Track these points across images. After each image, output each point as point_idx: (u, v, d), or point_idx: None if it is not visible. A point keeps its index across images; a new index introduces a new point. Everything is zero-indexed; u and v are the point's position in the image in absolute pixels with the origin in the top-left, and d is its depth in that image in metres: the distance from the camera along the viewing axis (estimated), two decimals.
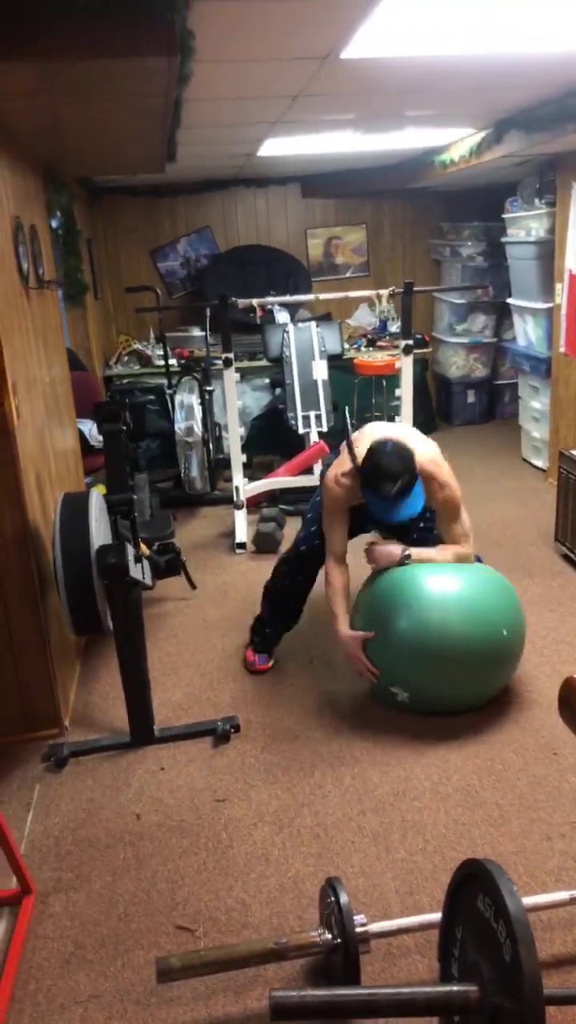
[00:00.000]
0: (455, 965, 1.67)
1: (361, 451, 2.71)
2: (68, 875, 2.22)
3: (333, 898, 1.79)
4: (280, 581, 3.20)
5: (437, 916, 1.80)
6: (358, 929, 1.76)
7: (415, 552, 2.81)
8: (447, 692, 2.76)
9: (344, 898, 1.77)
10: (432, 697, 2.76)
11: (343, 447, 2.90)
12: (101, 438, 2.70)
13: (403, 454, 2.61)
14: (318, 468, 4.96)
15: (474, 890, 1.59)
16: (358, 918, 1.78)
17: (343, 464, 2.82)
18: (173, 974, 1.76)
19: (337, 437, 5.48)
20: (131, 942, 2.00)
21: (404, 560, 2.79)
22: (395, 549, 2.81)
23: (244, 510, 4.60)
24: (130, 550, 2.64)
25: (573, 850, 2.19)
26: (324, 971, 1.85)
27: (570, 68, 2.98)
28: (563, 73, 3.06)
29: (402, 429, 3.02)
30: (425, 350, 6.57)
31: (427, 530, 2.95)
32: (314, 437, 4.96)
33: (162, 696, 3.03)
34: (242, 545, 4.42)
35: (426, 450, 2.79)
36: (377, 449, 2.62)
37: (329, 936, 1.78)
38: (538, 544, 4.23)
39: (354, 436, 2.89)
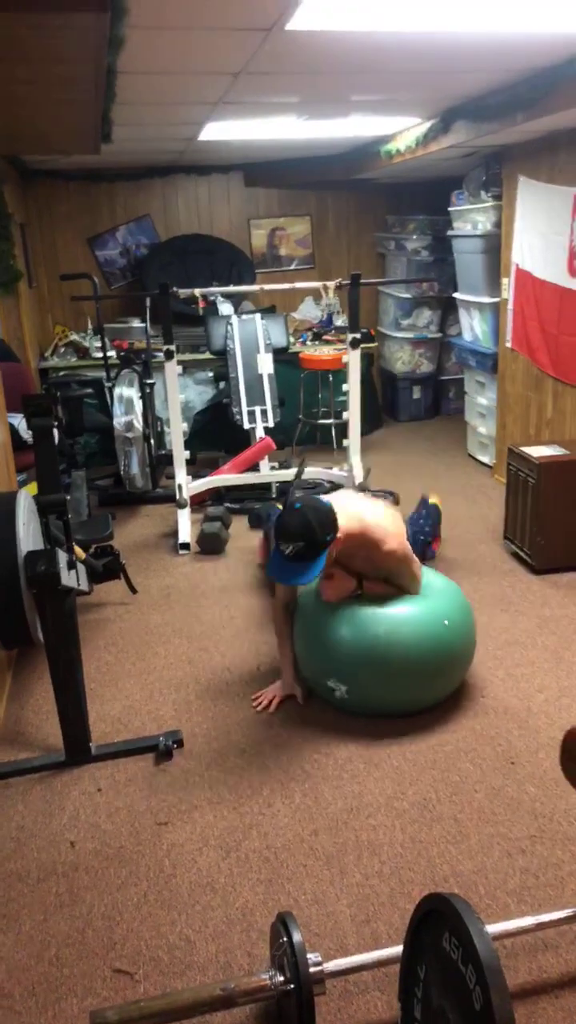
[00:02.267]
0: (418, 1007, 1.55)
1: (340, 516, 2.58)
2: None
3: (285, 937, 1.64)
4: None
5: (396, 950, 1.68)
6: (312, 970, 1.62)
7: (367, 585, 2.74)
8: (385, 690, 2.67)
9: (297, 937, 1.62)
10: (370, 694, 2.68)
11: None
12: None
13: (309, 520, 2.46)
14: (265, 465, 4.82)
15: (439, 928, 1.47)
16: (312, 957, 1.64)
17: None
18: None
19: (286, 433, 5.37)
20: (64, 989, 1.82)
21: (356, 593, 2.73)
22: (348, 583, 2.72)
23: (188, 509, 4.42)
24: (62, 555, 2.44)
25: (534, 867, 2.09)
26: (276, 1015, 1.70)
27: (523, 53, 2.89)
28: (516, 58, 2.97)
29: (363, 500, 2.87)
30: (371, 345, 6.48)
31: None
32: (260, 433, 4.81)
33: (100, 709, 2.83)
34: (186, 546, 4.24)
35: (374, 514, 2.68)
36: (287, 505, 2.55)
37: (281, 979, 1.63)
38: (487, 542, 4.16)
39: (344, 507, 2.70)
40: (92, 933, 1.95)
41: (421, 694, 2.72)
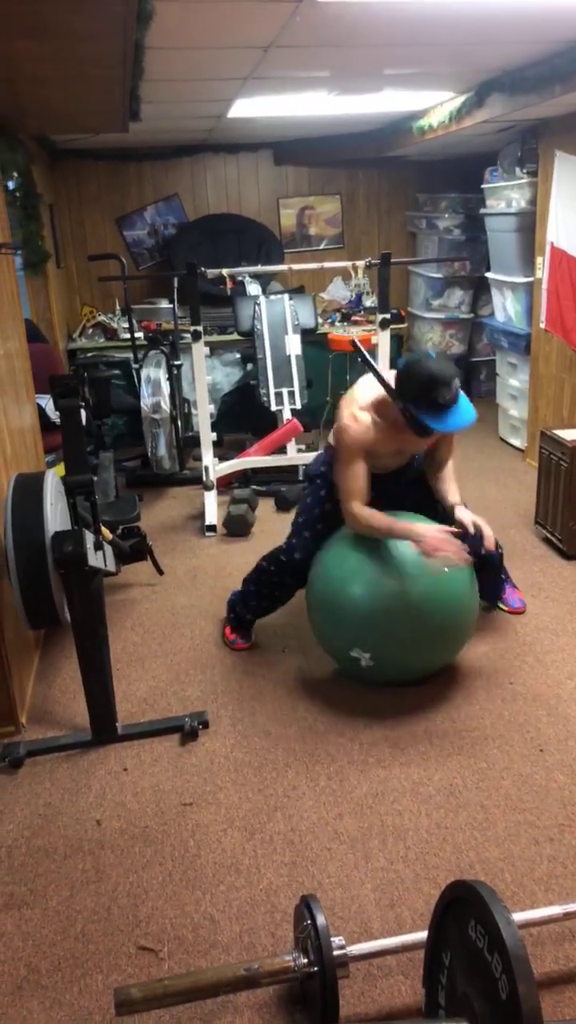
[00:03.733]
0: (442, 994, 1.54)
1: (371, 392, 2.59)
2: (22, 889, 2.05)
3: (309, 920, 1.63)
4: (269, 578, 3.01)
5: (421, 936, 1.67)
6: (336, 953, 1.61)
7: (461, 510, 2.79)
8: (409, 648, 2.66)
9: (321, 920, 1.62)
10: (395, 656, 2.67)
11: (351, 394, 2.72)
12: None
13: (446, 358, 2.52)
14: (292, 448, 4.79)
15: (464, 915, 1.45)
16: (336, 940, 1.63)
17: (352, 404, 2.67)
18: (134, 1005, 1.60)
19: (312, 415, 5.32)
20: (90, 965, 1.84)
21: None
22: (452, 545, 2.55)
23: (214, 491, 4.41)
24: (89, 536, 2.45)
25: (562, 855, 2.06)
26: (299, 997, 1.71)
27: (562, 22, 2.79)
28: (555, 28, 2.87)
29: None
30: (401, 325, 6.39)
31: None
32: (287, 415, 4.78)
33: (126, 690, 2.85)
34: (212, 528, 4.24)
35: None
36: (419, 359, 2.49)
37: (305, 961, 1.63)
38: (518, 527, 4.10)
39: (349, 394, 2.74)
40: (117, 910, 1.97)
41: (443, 648, 2.74)
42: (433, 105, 4.54)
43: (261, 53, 3.05)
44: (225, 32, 2.73)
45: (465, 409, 2.51)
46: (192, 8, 2.41)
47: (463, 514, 2.77)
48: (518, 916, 1.67)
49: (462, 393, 2.52)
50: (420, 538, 2.54)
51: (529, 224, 4.75)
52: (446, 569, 2.60)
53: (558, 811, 2.21)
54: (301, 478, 4.82)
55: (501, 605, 3.27)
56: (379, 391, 2.63)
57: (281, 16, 2.53)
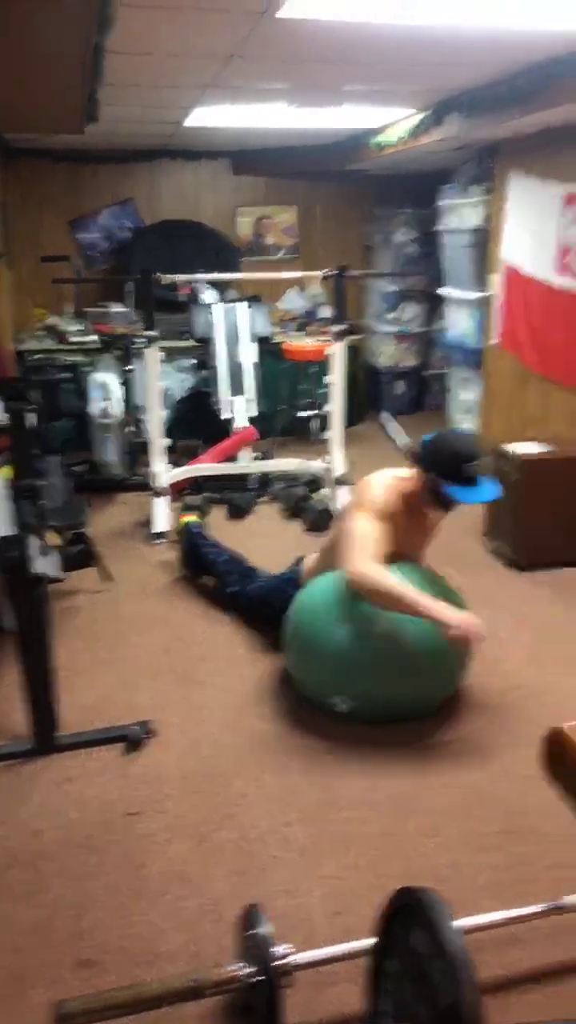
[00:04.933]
0: (387, 1001, 1.53)
1: (375, 490, 2.62)
2: None
3: (253, 928, 1.62)
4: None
5: (367, 943, 1.66)
6: (280, 961, 1.60)
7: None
8: (395, 698, 2.59)
9: (265, 929, 1.61)
10: (377, 706, 2.60)
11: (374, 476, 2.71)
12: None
13: (469, 435, 2.67)
14: (245, 455, 4.79)
15: (410, 922, 1.46)
16: (281, 948, 1.62)
17: (386, 475, 2.69)
18: (75, 1019, 1.56)
19: (266, 423, 5.32)
20: (29, 979, 1.79)
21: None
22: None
23: (165, 497, 4.37)
24: (35, 541, 2.40)
25: (506, 862, 2.09)
26: (244, 1007, 1.69)
27: (519, 48, 2.87)
28: (512, 53, 2.96)
29: None
30: (356, 337, 6.45)
31: None
32: (240, 422, 4.77)
33: (71, 699, 2.79)
34: (161, 535, 4.20)
35: None
36: (446, 435, 2.63)
37: (250, 970, 1.61)
38: (470, 538, 4.16)
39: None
40: (59, 922, 1.92)
41: (424, 701, 2.65)
42: (392, 122, 4.62)
43: (222, 63, 3.06)
44: (186, 41, 2.73)
45: (493, 484, 2.63)
46: (154, 16, 2.41)
47: None
48: (463, 922, 1.68)
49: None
50: (449, 623, 2.37)
51: (483, 241, 4.86)
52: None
53: (503, 818, 2.24)
54: (254, 486, 4.82)
55: None
56: (398, 477, 2.66)
57: (242, 28, 2.55)
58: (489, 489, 2.61)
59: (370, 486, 2.66)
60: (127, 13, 2.33)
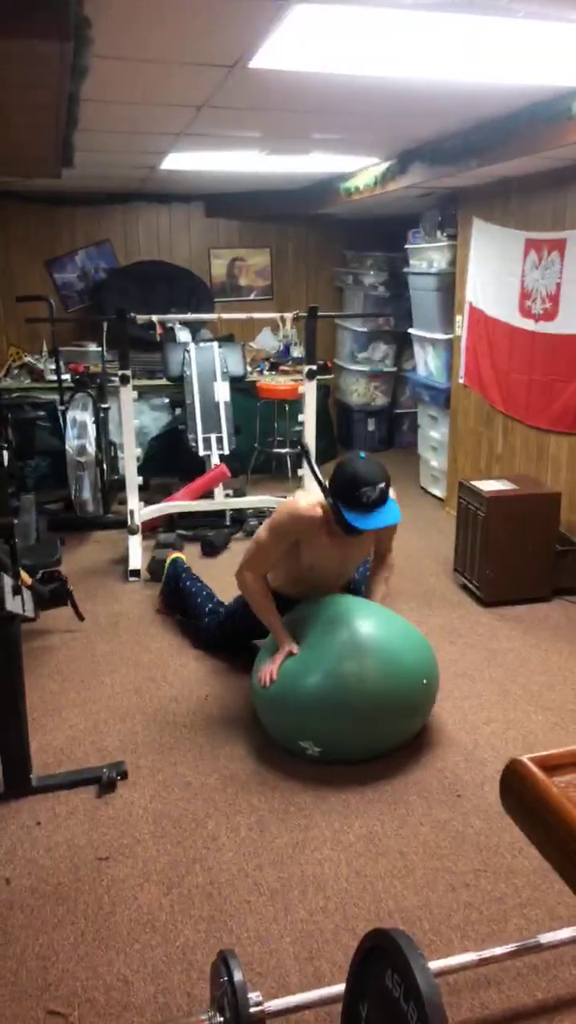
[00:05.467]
0: None
1: (278, 513, 2.76)
2: None
3: (226, 976, 1.60)
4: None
5: (339, 988, 1.65)
6: (253, 1010, 1.58)
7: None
8: (361, 744, 2.61)
9: (238, 976, 1.59)
10: (345, 749, 2.61)
11: (304, 485, 2.90)
12: None
13: (375, 461, 2.63)
14: (219, 492, 4.81)
15: (382, 964, 1.45)
16: (253, 996, 1.60)
17: (313, 496, 2.79)
18: None
19: (240, 461, 5.36)
20: None
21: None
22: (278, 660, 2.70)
23: (139, 535, 4.37)
24: (7, 580, 2.39)
25: (477, 901, 2.09)
26: None
27: (478, 102, 2.99)
28: (471, 106, 3.07)
29: None
30: (328, 376, 6.55)
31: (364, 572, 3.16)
32: (215, 460, 4.81)
33: (42, 740, 2.76)
34: (136, 573, 4.19)
35: None
36: (351, 459, 2.63)
37: (221, 1020, 1.59)
38: (438, 574, 4.21)
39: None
40: (26, 973, 1.88)
41: (388, 744, 2.66)
42: (360, 168, 4.76)
43: (194, 112, 3.14)
44: (159, 90, 2.81)
45: (390, 512, 2.61)
46: (127, 67, 2.48)
47: None
48: (435, 964, 1.67)
49: (392, 498, 2.63)
50: (281, 648, 2.70)
51: (449, 284, 4.98)
52: (424, 681, 2.64)
53: (474, 856, 2.24)
54: (229, 523, 4.84)
55: None
56: (310, 503, 2.75)
57: (214, 79, 2.63)
58: (384, 515, 2.60)
59: (278, 509, 2.83)
60: (101, 64, 2.39)
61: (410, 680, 2.61)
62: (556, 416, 3.98)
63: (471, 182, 4.31)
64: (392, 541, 3.03)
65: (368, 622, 2.68)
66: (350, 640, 2.60)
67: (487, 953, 1.80)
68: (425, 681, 2.66)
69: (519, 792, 1.26)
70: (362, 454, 2.67)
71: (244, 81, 2.63)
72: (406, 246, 5.54)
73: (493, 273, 4.42)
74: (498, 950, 1.82)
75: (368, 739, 2.62)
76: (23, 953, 1.93)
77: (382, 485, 2.56)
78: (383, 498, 2.59)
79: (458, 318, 4.90)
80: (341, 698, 2.52)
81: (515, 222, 4.20)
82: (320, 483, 2.74)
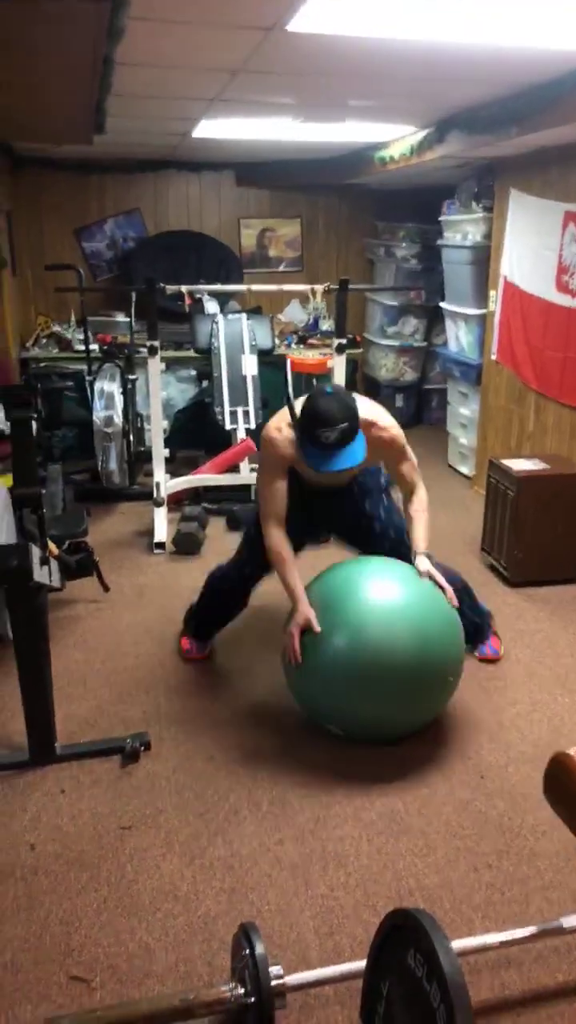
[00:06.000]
0: None
1: (265, 447, 2.59)
2: None
3: (248, 949, 1.61)
4: (217, 590, 3.08)
5: (360, 965, 1.66)
6: (274, 983, 1.59)
7: (420, 559, 2.62)
8: (385, 725, 2.57)
9: (260, 949, 1.60)
10: (369, 731, 2.58)
11: (283, 410, 2.66)
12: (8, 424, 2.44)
13: (344, 398, 2.45)
14: (245, 466, 4.79)
15: (404, 944, 1.45)
16: (274, 970, 1.61)
17: (283, 416, 2.61)
18: None
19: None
20: (19, 995, 1.78)
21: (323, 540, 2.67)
22: (299, 620, 2.49)
23: (165, 508, 4.37)
24: (35, 550, 2.40)
25: (499, 882, 2.08)
26: None
27: (520, 66, 2.89)
28: (512, 71, 2.97)
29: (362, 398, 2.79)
30: (357, 351, 6.47)
31: (388, 515, 2.83)
32: (241, 434, 4.78)
33: (67, 709, 2.78)
34: (161, 545, 4.20)
35: (364, 401, 2.66)
36: (316, 393, 2.46)
37: (241, 992, 1.60)
38: (465, 554, 4.16)
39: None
40: (49, 938, 1.91)
41: (412, 725, 2.62)
42: (395, 137, 4.64)
43: (229, 76, 3.07)
44: (195, 54, 2.75)
45: (349, 454, 2.42)
46: (163, 29, 2.42)
47: (421, 564, 2.62)
48: (456, 944, 1.67)
49: (360, 437, 2.45)
50: (296, 616, 2.49)
51: (484, 258, 4.88)
52: (451, 679, 2.56)
53: (497, 838, 2.23)
54: (254, 498, 4.82)
55: (475, 653, 3.11)
56: (286, 423, 2.60)
57: (251, 42, 2.56)
58: (342, 458, 2.42)
59: (263, 443, 2.63)
60: (136, 26, 2.34)
61: (438, 665, 2.52)
62: None
63: (509, 152, 4.19)
64: (408, 469, 2.70)
65: (402, 603, 2.53)
66: (378, 611, 2.49)
67: (509, 935, 1.79)
68: (451, 679, 2.58)
69: (565, 784, 1.24)
70: (329, 389, 2.48)
71: (281, 45, 2.55)
72: (440, 218, 5.42)
73: (530, 246, 4.31)
74: (520, 932, 1.81)
75: (392, 719, 2.57)
76: (47, 918, 1.96)
77: (342, 426, 2.37)
78: (343, 439, 2.39)
79: (492, 293, 4.80)
80: (360, 679, 2.42)
81: (554, 193, 4.08)
82: (292, 413, 2.55)
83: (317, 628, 2.46)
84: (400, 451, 2.68)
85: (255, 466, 4.92)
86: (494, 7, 2.16)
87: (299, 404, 2.53)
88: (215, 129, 4.36)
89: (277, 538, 2.61)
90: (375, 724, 2.57)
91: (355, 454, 2.45)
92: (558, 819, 1.55)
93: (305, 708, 2.69)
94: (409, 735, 2.63)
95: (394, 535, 2.80)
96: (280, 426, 2.60)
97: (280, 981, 1.61)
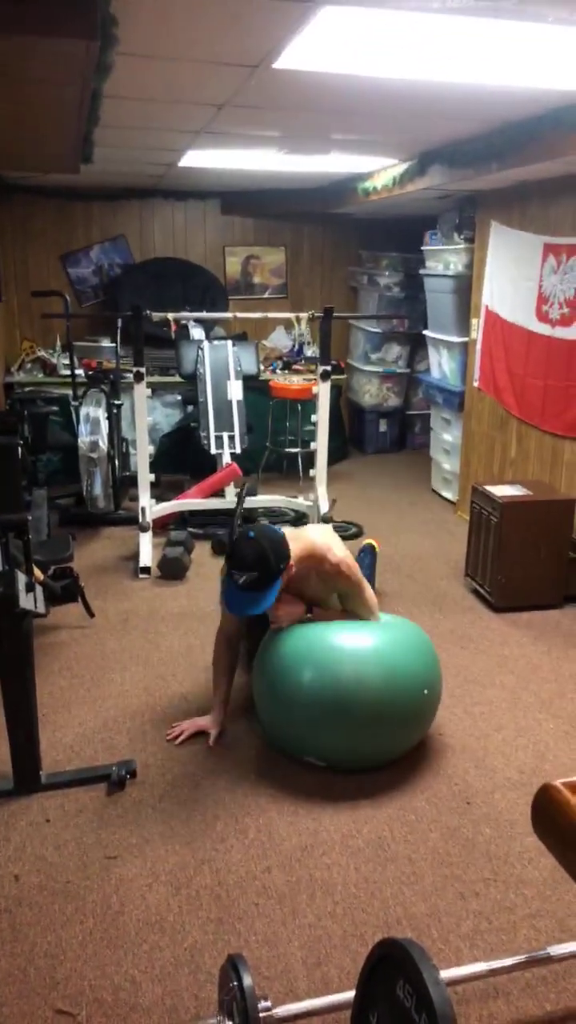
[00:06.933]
0: None
1: (291, 543, 2.58)
2: None
3: (235, 981, 1.60)
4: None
5: (348, 996, 1.65)
6: (262, 1015, 1.58)
7: (319, 613, 2.72)
8: (365, 754, 2.59)
9: (247, 981, 1.58)
10: (350, 760, 2.59)
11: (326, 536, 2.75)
12: None
13: (262, 547, 2.44)
14: (230, 491, 4.81)
15: (393, 974, 1.45)
16: (263, 1003, 1.60)
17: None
18: None
19: (252, 460, 5.35)
20: None
21: (306, 618, 2.68)
22: (297, 608, 2.68)
23: (150, 532, 4.37)
24: (21, 577, 2.39)
25: (487, 910, 2.08)
26: None
27: (500, 105, 2.97)
28: (493, 109, 3.05)
29: (321, 529, 2.87)
30: (341, 377, 6.54)
31: None
32: (227, 459, 4.80)
33: (52, 736, 2.76)
34: (146, 570, 4.19)
35: (316, 531, 2.76)
36: (241, 535, 2.52)
37: None
38: (448, 578, 4.19)
39: (292, 533, 2.71)
40: (34, 971, 1.88)
41: (393, 752, 2.64)
42: (378, 169, 4.74)
43: (215, 110, 3.14)
44: (182, 89, 2.80)
45: (252, 600, 2.47)
46: (151, 64, 2.47)
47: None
48: (445, 974, 1.66)
49: (272, 589, 2.47)
50: (211, 722, 2.76)
51: (465, 287, 4.96)
52: (425, 692, 2.60)
53: (484, 865, 2.23)
54: (239, 521, 4.83)
55: None
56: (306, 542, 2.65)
57: (237, 79, 2.62)
58: (246, 603, 2.49)
59: (350, 564, 2.68)
60: (125, 61, 2.39)
61: (413, 689, 2.56)
62: (572, 422, 3.96)
63: (490, 185, 4.29)
64: (358, 607, 2.73)
65: (368, 627, 2.67)
66: (349, 645, 2.57)
67: (496, 964, 1.79)
68: (426, 691, 2.61)
69: (552, 816, 1.25)
70: (252, 534, 2.48)
71: (267, 81, 2.62)
72: (422, 247, 5.52)
73: (510, 277, 4.40)
74: (507, 961, 1.81)
75: (367, 750, 2.58)
76: (32, 950, 1.94)
77: (251, 575, 2.42)
78: (252, 585, 2.44)
79: (474, 321, 4.88)
80: (339, 707, 2.46)
81: (534, 226, 4.17)
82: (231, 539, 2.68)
83: (211, 741, 2.73)
84: (354, 585, 2.68)
85: (240, 490, 4.95)
86: (476, 49, 2.23)
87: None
88: (200, 159, 4.43)
89: (223, 649, 2.79)
90: (352, 753, 2.57)
91: (261, 602, 2.49)
92: (544, 847, 1.56)
93: (281, 743, 2.69)
94: (395, 760, 2.63)
95: None
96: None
97: (268, 1013, 1.59)
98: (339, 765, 2.60)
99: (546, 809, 1.32)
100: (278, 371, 6.27)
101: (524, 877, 2.18)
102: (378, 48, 2.25)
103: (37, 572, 2.93)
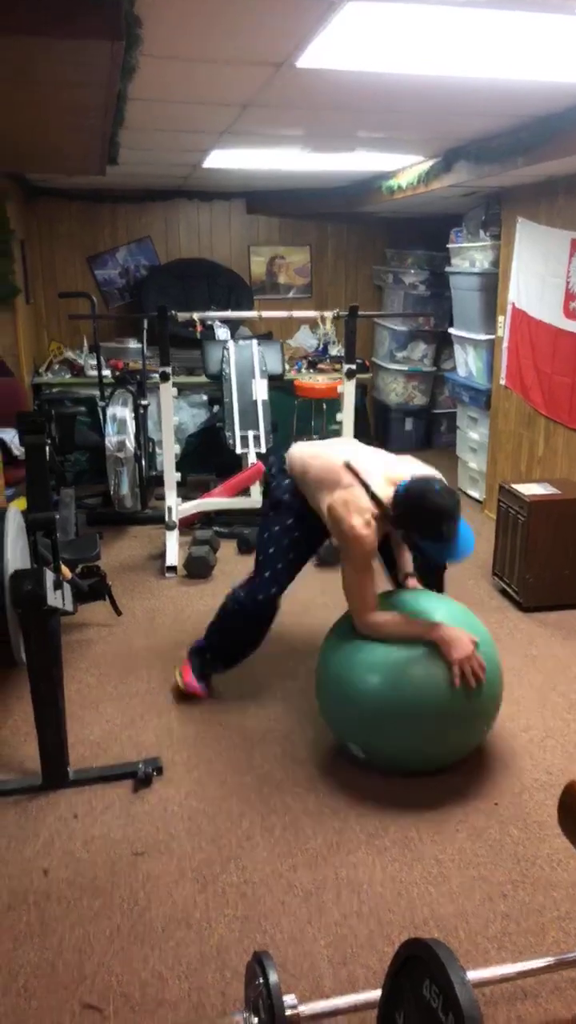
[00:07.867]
0: None
1: (377, 487, 2.51)
2: None
3: (262, 978, 1.60)
4: (233, 628, 2.94)
5: (374, 995, 1.64)
6: (288, 1012, 1.58)
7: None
8: (412, 755, 2.52)
9: (274, 978, 1.58)
10: (394, 759, 2.55)
11: (355, 499, 2.54)
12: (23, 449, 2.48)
13: (450, 489, 2.46)
14: (255, 490, 4.81)
15: (419, 974, 1.44)
16: (288, 999, 1.60)
17: (361, 507, 2.51)
18: None
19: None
20: (32, 1022, 1.76)
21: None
22: (464, 636, 2.47)
23: (176, 531, 4.40)
24: (49, 575, 2.42)
25: (515, 912, 2.06)
26: None
27: (526, 100, 2.94)
28: (519, 104, 3.02)
29: (372, 451, 2.86)
30: (366, 375, 6.51)
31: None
32: (252, 458, 4.80)
33: (79, 733, 2.79)
34: (173, 569, 4.21)
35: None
36: (427, 490, 2.42)
37: (256, 1021, 1.59)
38: (476, 578, 4.16)
39: (334, 463, 2.63)
40: (62, 965, 1.90)
41: (440, 761, 2.57)
42: (403, 167, 4.71)
43: (239, 110, 3.14)
44: (206, 89, 2.81)
45: (466, 537, 2.44)
46: (175, 65, 2.48)
47: (412, 585, 2.89)
48: (472, 975, 1.65)
49: (463, 520, 2.45)
50: (449, 645, 2.41)
51: (492, 284, 4.92)
52: (485, 728, 2.57)
53: (512, 866, 2.21)
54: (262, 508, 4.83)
55: None
56: (373, 501, 2.52)
57: (260, 78, 2.62)
58: (465, 544, 2.43)
59: (355, 540, 2.50)
60: (149, 63, 2.40)
61: (476, 712, 2.49)
62: None
63: (516, 181, 4.25)
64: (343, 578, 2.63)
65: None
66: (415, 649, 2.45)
67: (525, 966, 1.78)
68: (486, 728, 2.59)
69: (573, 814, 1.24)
70: (436, 485, 2.45)
71: (290, 80, 2.61)
72: (448, 245, 5.48)
73: (537, 274, 4.35)
74: (536, 963, 1.80)
75: (417, 754, 2.51)
76: (60, 944, 1.96)
77: (458, 518, 2.40)
78: (459, 529, 2.43)
79: (500, 319, 4.84)
80: (398, 708, 2.40)
81: (561, 222, 4.13)
82: (385, 513, 2.52)
83: (475, 637, 2.48)
84: (344, 547, 2.55)
85: (265, 489, 4.95)
86: (501, 43, 2.21)
87: (380, 489, 2.51)
88: (225, 159, 4.44)
89: (380, 615, 2.54)
90: (402, 754, 2.52)
91: (470, 536, 2.45)
92: (573, 848, 1.54)
93: (333, 726, 2.66)
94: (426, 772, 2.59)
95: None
96: (368, 520, 2.50)
97: (294, 1011, 1.59)
98: (379, 763, 2.54)
99: (572, 808, 1.30)
100: (303, 370, 6.26)
101: (553, 880, 2.16)
102: (402, 44, 2.24)
103: (65, 570, 2.96)
